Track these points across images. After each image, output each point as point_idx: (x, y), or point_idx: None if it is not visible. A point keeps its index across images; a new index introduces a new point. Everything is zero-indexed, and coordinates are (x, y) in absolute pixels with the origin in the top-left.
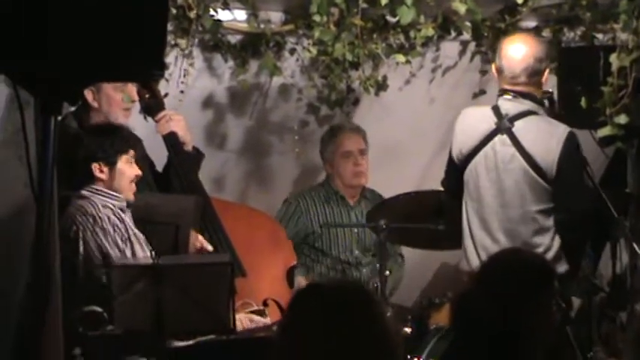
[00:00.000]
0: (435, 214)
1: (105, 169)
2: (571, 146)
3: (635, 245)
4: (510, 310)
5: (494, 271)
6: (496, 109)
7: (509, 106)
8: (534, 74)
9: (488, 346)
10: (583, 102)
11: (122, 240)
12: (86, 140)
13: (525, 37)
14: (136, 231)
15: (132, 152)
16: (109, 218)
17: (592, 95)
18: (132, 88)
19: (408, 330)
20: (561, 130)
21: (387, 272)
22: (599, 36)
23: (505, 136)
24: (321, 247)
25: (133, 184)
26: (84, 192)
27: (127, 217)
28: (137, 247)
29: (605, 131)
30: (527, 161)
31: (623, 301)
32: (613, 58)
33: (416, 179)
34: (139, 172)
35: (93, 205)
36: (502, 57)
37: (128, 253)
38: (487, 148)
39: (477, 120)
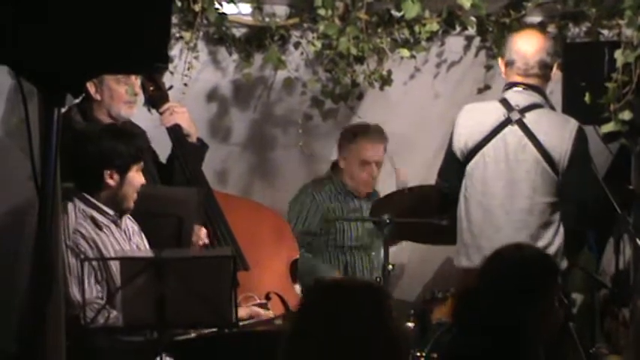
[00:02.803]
0: (438, 209)
1: (116, 176)
2: (581, 139)
3: (638, 241)
4: (514, 306)
5: (498, 266)
6: (504, 102)
7: (520, 98)
8: (546, 67)
9: (491, 342)
10: (587, 98)
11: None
12: (100, 143)
13: (535, 31)
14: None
15: (142, 162)
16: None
17: (596, 91)
18: (135, 82)
19: (410, 324)
20: (572, 123)
21: (390, 267)
22: (605, 32)
23: (516, 127)
24: (335, 238)
25: (135, 193)
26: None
27: (114, 232)
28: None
29: (609, 127)
30: (540, 152)
31: (626, 297)
32: (618, 54)
33: (420, 174)
34: (144, 181)
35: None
36: (513, 49)
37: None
38: (496, 140)
39: (483, 113)
